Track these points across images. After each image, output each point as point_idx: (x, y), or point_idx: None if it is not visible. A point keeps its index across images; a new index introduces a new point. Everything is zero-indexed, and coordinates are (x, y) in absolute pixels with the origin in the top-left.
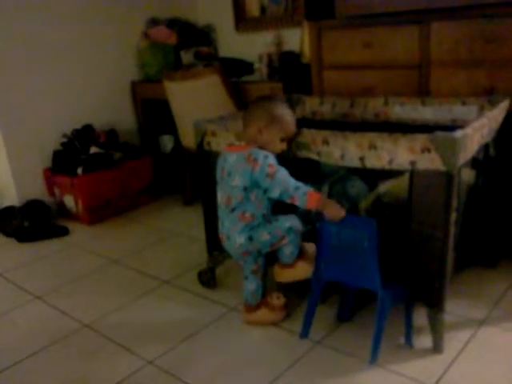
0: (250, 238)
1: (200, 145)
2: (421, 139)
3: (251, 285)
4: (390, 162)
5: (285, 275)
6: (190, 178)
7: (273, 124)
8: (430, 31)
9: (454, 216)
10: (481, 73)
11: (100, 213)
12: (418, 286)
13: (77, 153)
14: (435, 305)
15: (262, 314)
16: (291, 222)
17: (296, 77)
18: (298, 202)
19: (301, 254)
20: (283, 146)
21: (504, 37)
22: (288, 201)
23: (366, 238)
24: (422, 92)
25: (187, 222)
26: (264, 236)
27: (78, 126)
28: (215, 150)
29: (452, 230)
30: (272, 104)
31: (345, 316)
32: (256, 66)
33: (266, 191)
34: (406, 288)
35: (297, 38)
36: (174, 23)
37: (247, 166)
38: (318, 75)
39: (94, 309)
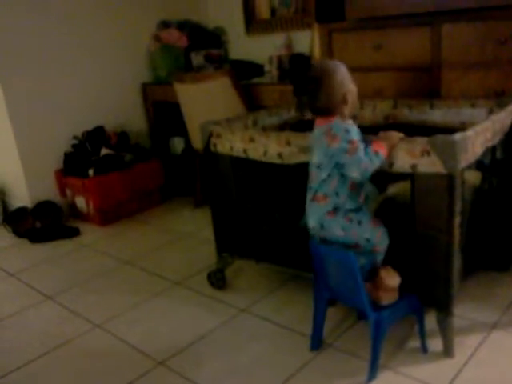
0: (322, 226)
1: (206, 146)
2: (420, 142)
3: None
4: (391, 165)
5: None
6: (200, 179)
7: (348, 81)
8: (441, 33)
9: (458, 219)
10: (492, 75)
11: (111, 214)
12: (426, 289)
13: (88, 154)
14: (443, 309)
15: None
16: (376, 234)
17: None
18: (375, 165)
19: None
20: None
21: None
22: (366, 176)
23: (347, 270)
24: (433, 94)
25: (197, 223)
26: (334, 228)
27: (89, 128)
28: (221, 151)
29: (457, 233)
30: (335, 68)
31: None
32: (266, 68)
33: (343, 168)
34: (413, 298)
35: (307, 41)
36: (184, 25)
37: (326, 142)
38: None
39: (105, 309)
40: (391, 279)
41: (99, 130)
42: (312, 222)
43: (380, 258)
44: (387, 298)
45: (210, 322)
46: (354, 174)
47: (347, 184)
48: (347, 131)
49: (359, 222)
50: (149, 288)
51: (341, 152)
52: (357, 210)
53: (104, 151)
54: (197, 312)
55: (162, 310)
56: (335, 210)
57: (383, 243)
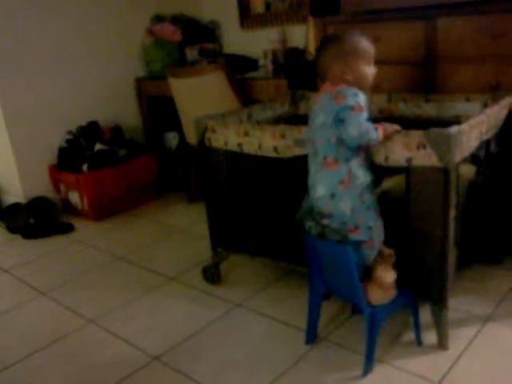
0: (332, 196)
1: (201, 141)
2: (416, 135)
3: None
4: (386, 158)
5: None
6: (194, 174)
7: (349, 54)
8: (436, 27)
9: (453, 212)
10: (487, 69)
11: (105, 209)
12: (421, 283)
13: (82, 150)
14: (438, 302)
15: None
16: (376, 224)
17: (301, 73)
18: (373, 136)
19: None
20: (373, 71)
21: (510, 32)
22: (362, 141)
23: (343, 264)
24: (428, 88)
25: (192, 218)
26: (345, 203)
27: (83, 123)
28: (215, 146)
29: (452, 226)
30: (339, 40)
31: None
32: (261, 62)
33: (343, 124)
34: (408, 292)
35: (302, 35)
36: (178, 20)
37: (333, 102)
38: None
39: (100, 305)
40: (388, 275)
41: (93, 125)
42: (321, 190)
43: (373, 255)
44: (385, 297)
45: (205, 316)
46: (353, 131)
47: (353, 149)
48: (356, 94)
49: (368, 207)
50: (143, 283)
51: (346, 108)
52: (368, 187)
53: (98, 146)
54: (192, 307)
55: (156, 305)
56: (349, 178)
57: (380, 238)
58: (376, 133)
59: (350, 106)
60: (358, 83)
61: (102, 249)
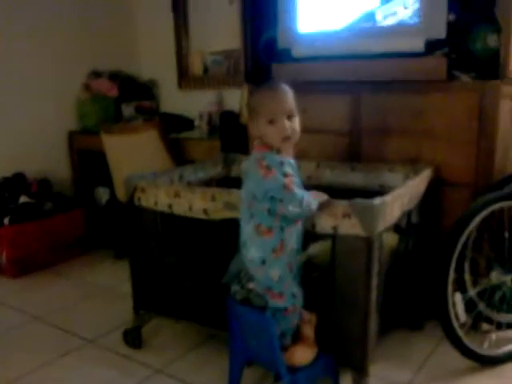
0: (263, 262)
1: (130, 200)
2: (341, 205)
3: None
4: (313, 226)
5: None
6: (122, 231)
7: (253, 114)
8: (360, 101)
9: (375, 280)
10: (407, 142)
11: (26, 266)
12: (343, 349)
13: (5, 202)
14: (360, 369)
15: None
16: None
17: (234, 136)
18: (313, 208)
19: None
20: (281, 126)
21: (426, 110)
22: (305, 214)
23: (263, 331)
24: (353, 157)
25: (118, 277)
26: (274, 270)
27: (9, 174)
28: (145, 205)
29: (374, 294)
30: (251, 95)
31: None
32: (196, 123)
33: (280, 203)
34: (329, 358)
35: (237, 98)
36: (116, 76)
37: (260, 173)
38: None
39: (9, 370)
40: (309, 327)
41: (19, 177)
42: (254, 253)
43: (296, 320)
44: (306, 356)
45: (122, 383)
46: (295, 209)
47: (292, 220)
48: (282, 163)
49: (295, 276)
50: (59, 346)
51: (279, 188)
52: (296, 253)
53: (23, 199)
54: (109, 374)
55: (72, 370)
56: (281, 246)
57: (300, 303)
58: (315, 202)
59: (282, 185)
60: (272, 145)
61: (18, 308)
